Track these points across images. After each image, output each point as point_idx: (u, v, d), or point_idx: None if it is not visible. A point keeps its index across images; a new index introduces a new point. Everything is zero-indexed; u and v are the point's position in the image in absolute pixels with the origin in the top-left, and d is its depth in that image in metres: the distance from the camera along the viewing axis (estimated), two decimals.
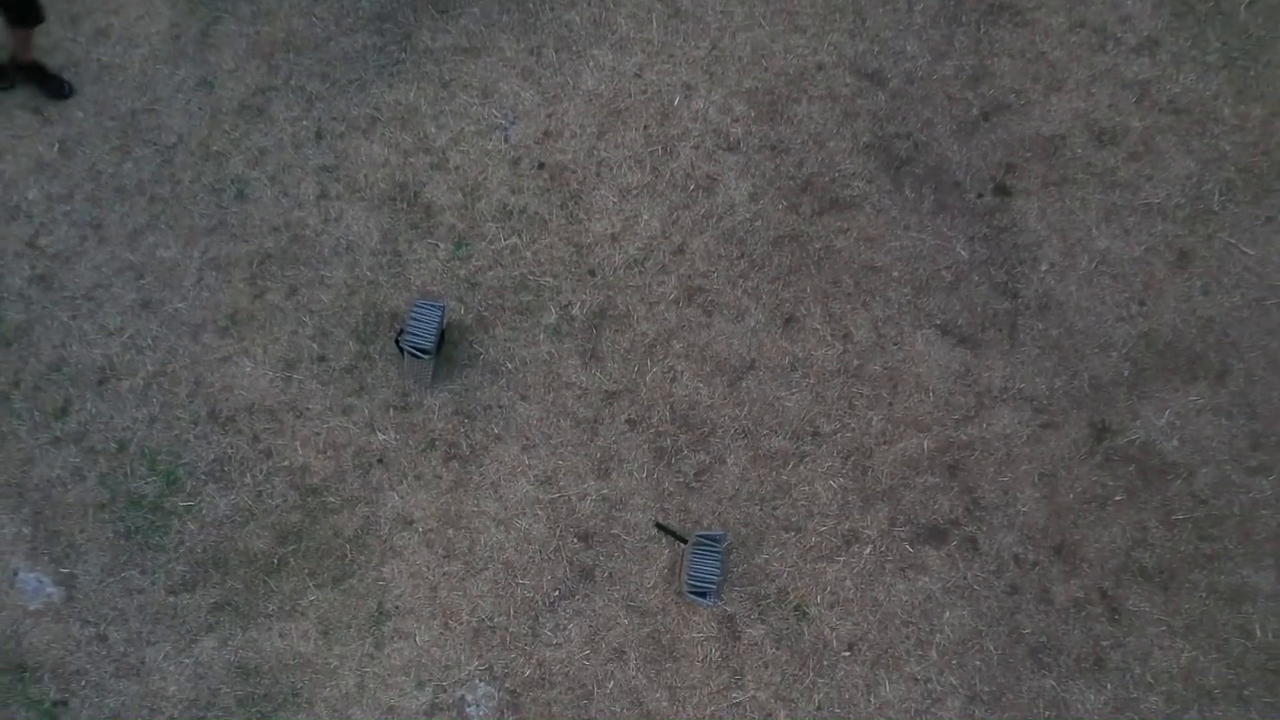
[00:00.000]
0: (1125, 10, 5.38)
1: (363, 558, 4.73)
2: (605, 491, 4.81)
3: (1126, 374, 4.95)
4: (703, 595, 4.59)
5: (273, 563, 4.71)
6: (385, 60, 5.29)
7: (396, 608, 4.68)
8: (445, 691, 4.62)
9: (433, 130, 5.21)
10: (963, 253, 5.08)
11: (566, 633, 4.68)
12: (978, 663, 4.67)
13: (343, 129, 5.20)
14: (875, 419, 4.89)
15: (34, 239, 5.03)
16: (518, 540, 4.76)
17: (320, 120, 5.20)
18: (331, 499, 4.79)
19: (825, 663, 4.66)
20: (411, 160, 5.17)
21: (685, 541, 4.69)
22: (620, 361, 4.95)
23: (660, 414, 4.89)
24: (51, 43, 5.23)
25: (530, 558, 4.75)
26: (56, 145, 5.12)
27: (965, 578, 4.75)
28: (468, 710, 4.60)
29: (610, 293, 5.01)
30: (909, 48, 5.32)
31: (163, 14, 5.31)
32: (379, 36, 5.32)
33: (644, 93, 5.26)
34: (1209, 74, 5.30)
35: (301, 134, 5.18)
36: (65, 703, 4.60)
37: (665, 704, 4.62)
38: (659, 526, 4.75)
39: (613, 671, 4.65)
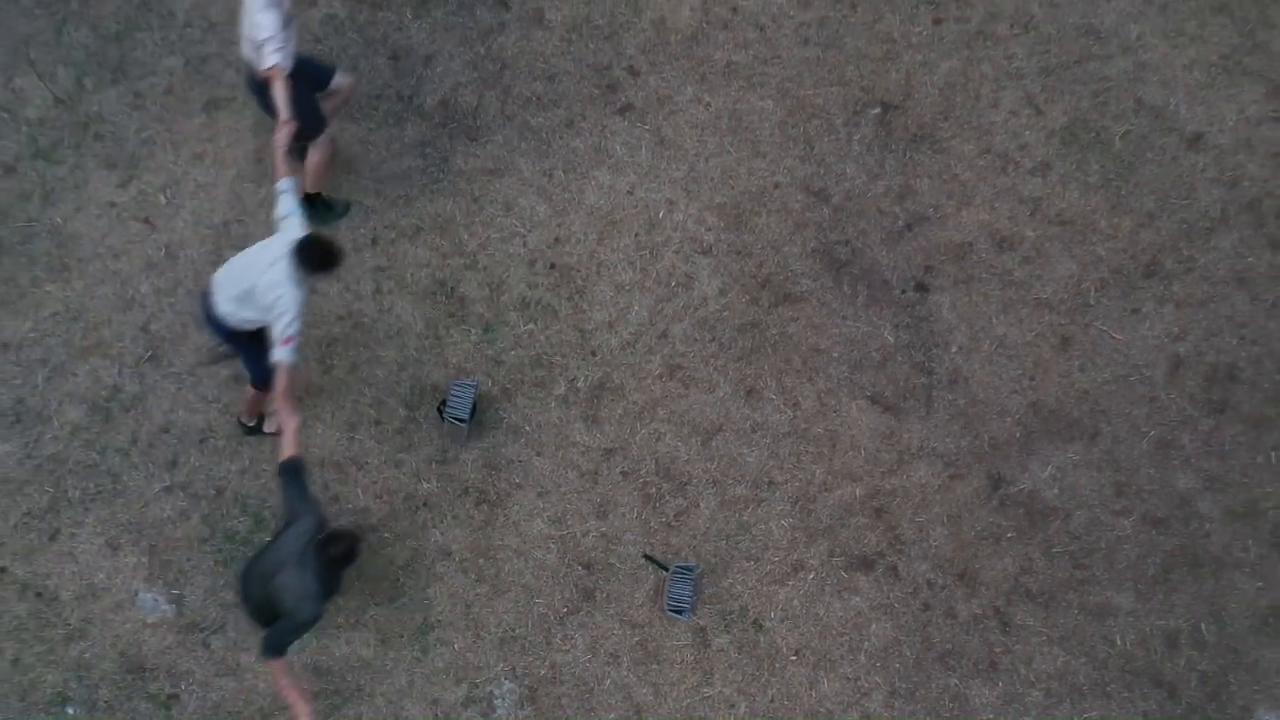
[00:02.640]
0: (1023, 140, 6.66)
1: (411, 581, 5.95)
2: (604, 529, 6.05)
3: (1018, 435, 6.20)
4: (680, 612, 5.84)
5: (340, 586, 5.93)
6: (427, 180, 6.55)
7: (438, 621, 5.90)
8: (477, 688, 5.83)
9: (465, 237, 6.46)
10: (889, 337, 6.34)
11: (573, 641, 5.90)
12: (897, 665, 5.90)
13: (393, 235, 6.45)
14: (818, 471, 6.13)
15: (146, 324, 6.27)
16: (534, 567, 5.99)
17: (375, 229, 6.45)
18: (386, 534, 6.01)
19: (777, 665, 5.88)
20: (448, 261, 6.42)
21: (667, 569, 5.93)
22: (616, 425, 6.19)
23: (647, 467, 6.13)
24: (158, 164, 6.49)
25: (544, 581, 5.97)
26: (163, 250, 6.37)
27: (888, 598, 5.98)
28: (495, 702, 5.82)
29: (608, 369, 6.26)
30: (848, 171, 6.60)
31: (247, 142, 6.57)
32: (421, 160, 6.58)
33: (635, 207, 6.53)
34: (1089, 192, 6.58)
35: (360, 240, 6.43)
36: (177, 697, 5.81)
37: (651, 698, 5.83)
38: (646, 557, 5.98)
39: (609, 672, 5.86)
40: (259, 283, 5.13)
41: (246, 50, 5.61)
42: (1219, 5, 6.82)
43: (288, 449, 4.99)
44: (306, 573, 4.81)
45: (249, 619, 5.15)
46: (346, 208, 6.40)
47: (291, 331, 5.07)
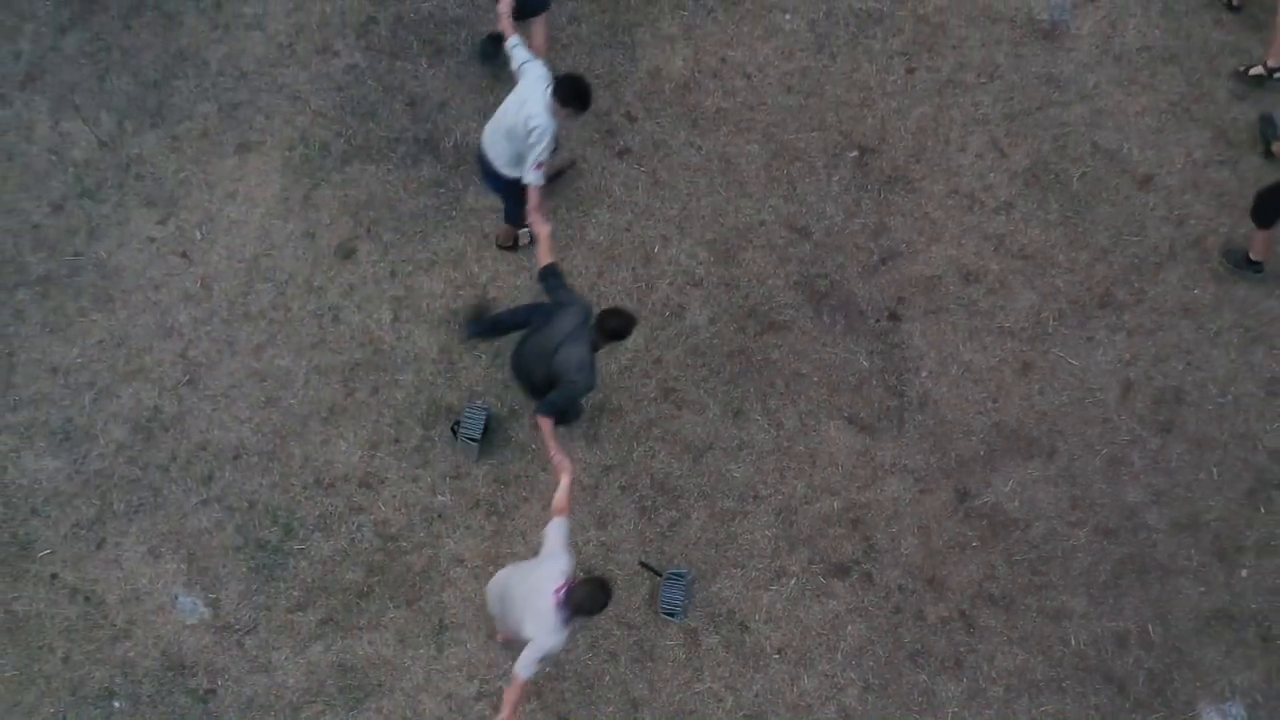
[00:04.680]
0: (988, 181, 7.23)
1: (428, 586, 6.50)
2: (603, 538, 6.61)
3: (982, 453, 6.76)
4: (673, 614, 6.40)
5: (363, 590, 6.49)
6: (441, 216, 7.11)
7: (453, 622, 6.45)
8: (488, 684, 6.38)
9: (476, 269, 7.03)
10: (865, 363, 6.91)
11: (575, 641, 6.44)
12: (871, 663, 6.45)
13: (410, 268, 7.02)
14: (799, 486, 6.70)
15: (184, 351, 6.83)
16: None
17: (394, 262, 7.02)
18: (405, 544, 6.57)
19: (761, 663, 6.44)
20: (461, 292, 6.98)
21: (661, 575, 6.49)
22: (614, 443, 6.74)
23: (643, 482, 6.68)
24: (194, 202, 7.06)
25: None
26: (199, 282, 6.93)
27: (863, 601, 6.54)
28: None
29: (607, 392, 6.82)
30: (828, 209, 7.17)
31: (275, 181, 7.14)
32: (436, 199, 7.15)
33: (632, 242, 7.10)
34: (1049, 229, 7.15)
35: (380, 272, 7.00)
36: (214, 692, 6.35)
37: (646, 692, 6.38)
38: (642, 564, 6.54)
39: (608, 669, 6.41)
40: (516, 121, 5.97)
41: None
42: (1169, 56, 7.39)
43: (544, 256, 5.83)
44: (582, 346, 5.65)
45: (527, 396, 6.02)
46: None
47: (543, 158, 5.94)
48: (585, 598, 5.12)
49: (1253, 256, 6.87)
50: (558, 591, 5.14)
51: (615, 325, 5.67)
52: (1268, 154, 7.05)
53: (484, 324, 6.12)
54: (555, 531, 5.38)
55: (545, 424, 5.71)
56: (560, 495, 5.46)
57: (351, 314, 6.91)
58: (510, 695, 5.20)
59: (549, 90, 5.92)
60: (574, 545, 5.67)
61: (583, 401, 6.15)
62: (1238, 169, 7.17)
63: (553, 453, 5.70)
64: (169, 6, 7.38)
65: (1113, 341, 6.92)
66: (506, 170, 6.23)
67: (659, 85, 7.36)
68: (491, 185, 6.50)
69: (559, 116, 5.95)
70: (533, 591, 5.22)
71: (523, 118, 5.95)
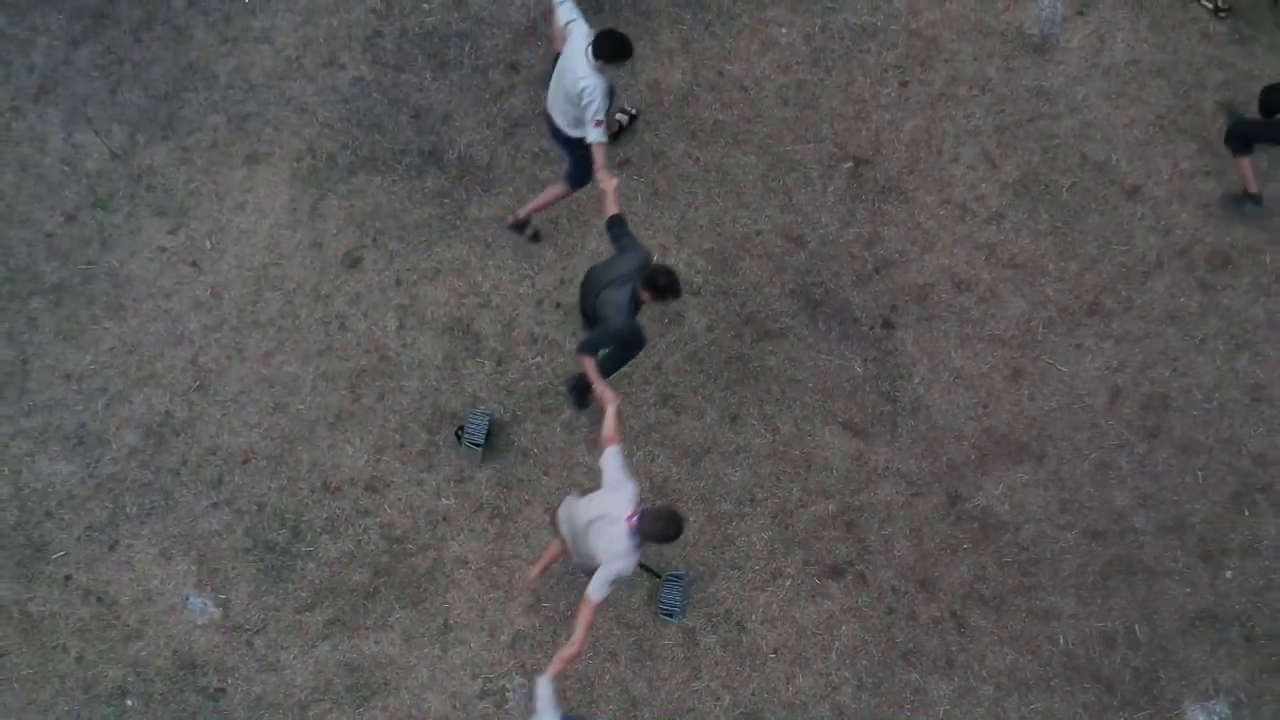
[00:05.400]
0: (980, 191, 7.40)
1: (433, 587, 6.67)
2: None
3: (973, 457, 6.93)
4: (671, 615, 6.57)
5: (369, 591, 6.65)
6: (445, 226, 7.28)
7: (457, 623, 6.61)
8: (491, 682, 6.54)
9: (480, 278, 7.20)
10: (859, 369, 7.08)
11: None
12: (864, 662, 6.62)
13: (415, 277, 7.18)
14: (795, 489, 6.86)
15: (195, 358, 6.99)
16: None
17: (399, 271, 7.18)
18: (410, 546, 6.73)
19: (758, 662, 6.60)
20: (464, 300, 7.15)
21: (660, 576, 6.65)
22: None
23: (643, 485, 6.84)
24: (204, 213, 7.23)
25: (550, 587, 6.68)
26: (209, 290, 7.10)
27: (857, 602, 6.70)
28: (507, 695, 6.53)
29: None
30: (823, 219, 7.34)
31: (283, 192, 7.30)
32: (440, 209, 7.32)
33: None
34: (1039, 238, 7.32)
35: (385, 281, 7.16)
36: (224, 690, 6.51)
37: (645, 691, 6.54)
38: (641, 565, 6.69)
39: (608, 668, 6.57)
40: (569, 83, 6.19)
41: None
42: (1156, 70, 7.56)
43: (611, 207, 6.08)
44: (624, 292, 5.93)
45: (581, 317, 6.36)
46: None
47: (600, 115, 6.12)
48: (658, 525, 5.33)
49: (1250, 190, 7.12)
50: (630, 518, 5.35)
51: (663, 282, 5.87)
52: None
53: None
54: (612, 461, 5.55)
55: (587, 363, 5.96)
56: (609, 425, 5.65)
57: (358, 321, 7.07)
58: (583, 618, 5.37)
59: (589, 49, 6.11)
60: (633, 470, 5.87)
61: (639, 339, 6.45)
62: (1224, 180, 7.33)
63: (597, 387, 5.92)
64: (179, 20, 7.55)
65: (1101, 349, 7.09)
66: (570, 130, 6.44)
67: (658, 97, 7.52)
68: (560, 144, 6.70)
69: (605, 72, 6.17)
70: (605, 518, 5.43)
71: (572, 80, 6.19)
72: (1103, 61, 7.57)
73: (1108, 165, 7.41)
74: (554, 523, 5.86)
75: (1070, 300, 7.18)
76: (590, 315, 6.18)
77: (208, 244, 7.17)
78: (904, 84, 7.56)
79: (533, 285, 7.17)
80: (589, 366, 5.94)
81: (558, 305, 7.13)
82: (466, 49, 7.55)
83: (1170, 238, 7.28)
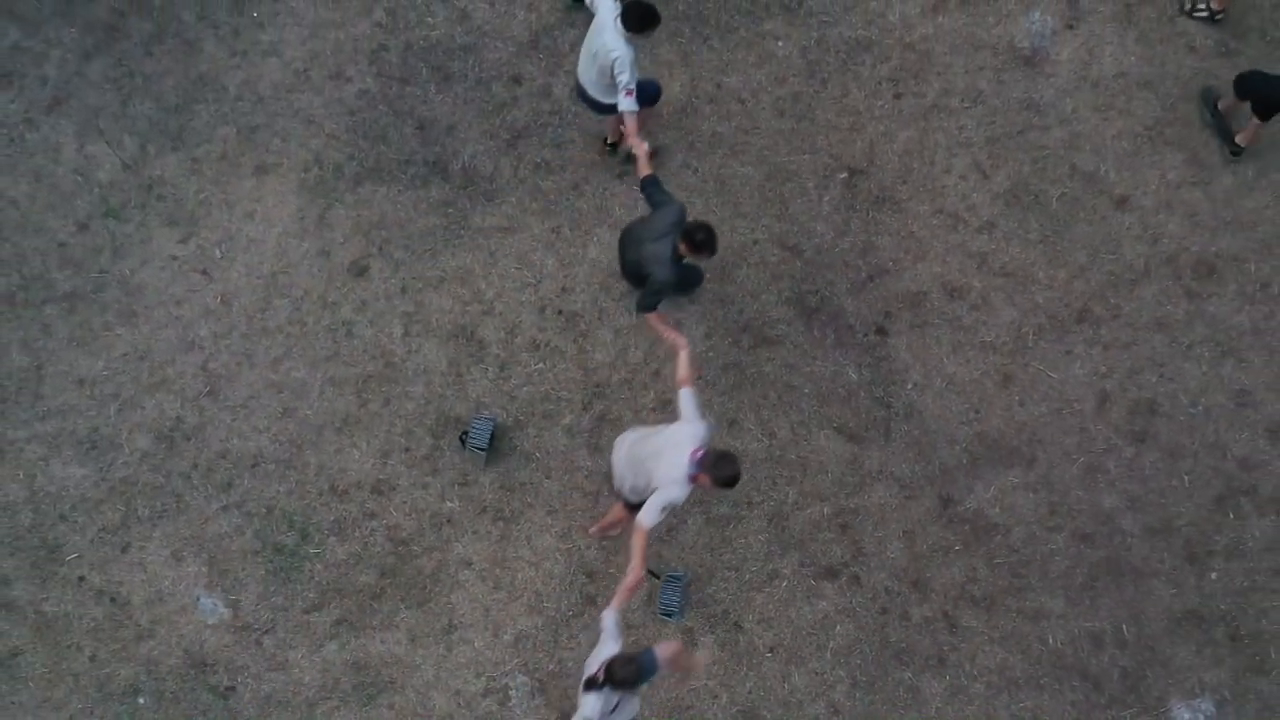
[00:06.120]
0: (971, 201, 7.57)
1: (437, 588, 6.83)
2: (604, 543, 6.93)
3: (965, 461, 7.10)
4: (670, 615, 6.73)
5: (376, 592, 6.81)
6: (449, 236, 7.45)
7: (461, 623, 6.78)
8: (494, 680, 6.71)
9: (483, 286, 7.36)
10: (853, 375, 7.24)
11: (578, 640, 6.77)
12: (859, 661, 6.78)
13: (420, 285, 7.35)
14: (791, 492, 7.03)
15: (205, 364, 7.16)
16: (544, 576, 6.87)
17: (404, 279, 7.35)
18: (415, 548, 6.90)
19: (754, 660, 6.76)
20: (468, 308, 7.32)
21: (659, 577, 6.81)
22: None
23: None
24: (214, 222, 7.39)
25: (552, 588, 6.85)
26: (219, 298, 7.26)
27: (851, 602, 6.87)
28: (510, 693, 6.69)
29: (608, 403, 7.15)
30: (818, 228, 7.51)
31: (291, 202, 7.47)
32: (444, 219, 7.48)
33: None
34: (1029, 247, 7.48)
35: (391, 289, 7.33)
36: (234, 688, 6.68)
37: (644, 689, 6.68)
38: (648, 571, 6.85)
39: None
40: (599, 52, 6.41)
41: None
42: (1144, 82, 7.73)
43: (644, 169, 6.34)
44: (665, 245, 6.14)
45: (624, 276, 6.65)
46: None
47: (631, 85, 6.36)
48: (720, 463, 5.55)
49: (1237, 140, 7.45)
50: (695, 452, 5.57)
51: (700, 237, 6.07)
52: (1214, 113, 7.56)
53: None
54: (687, 400, 5.82)
55: (650, 318, 6.26)
56: (682, 368, 5.92)
57: (364, 328, 7.23)
58: (637, 545, 5.59)
59: (617, 20, 6.32)
60: (705, 410, 6.12)
61: (699, 287, 6.99)
62: (1209, 190, 7.51)
63: (665, 335, 6.22)
64: (189, 34, 7.72)
65: (1090, 355, 7.26)
66: (602, 97, 6.69)
67: (657, 109, 7.68)
68: (594, 110, 6.93)
69: (633, 42, 6.38)
70: (671, 447, 5.66)
71: (602, 50, 6.41)
72: (1091, 74, 7.74)
73: (1096, 175, 7.58)
74: (612, 457, 6.15)
75: (1060, 308, 7.35)
76: (632, 274, 6.41)
77: (217, 253, 7.34)
78: (898, 96, 7.73)
79: (535, 293, 7.34)
80: (654, 321, 6.27)
81: (559, 313, 7.30)
82: (470, 62, 7.72)
83: (1157, 246, 7.45)
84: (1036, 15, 7.82)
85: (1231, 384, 7.18)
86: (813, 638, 6.80)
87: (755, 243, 7.47)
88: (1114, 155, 7.62)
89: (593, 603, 6.82)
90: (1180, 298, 7.35)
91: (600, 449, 7.06)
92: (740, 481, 5.65)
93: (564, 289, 7.34)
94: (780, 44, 7.81)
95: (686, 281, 6.76)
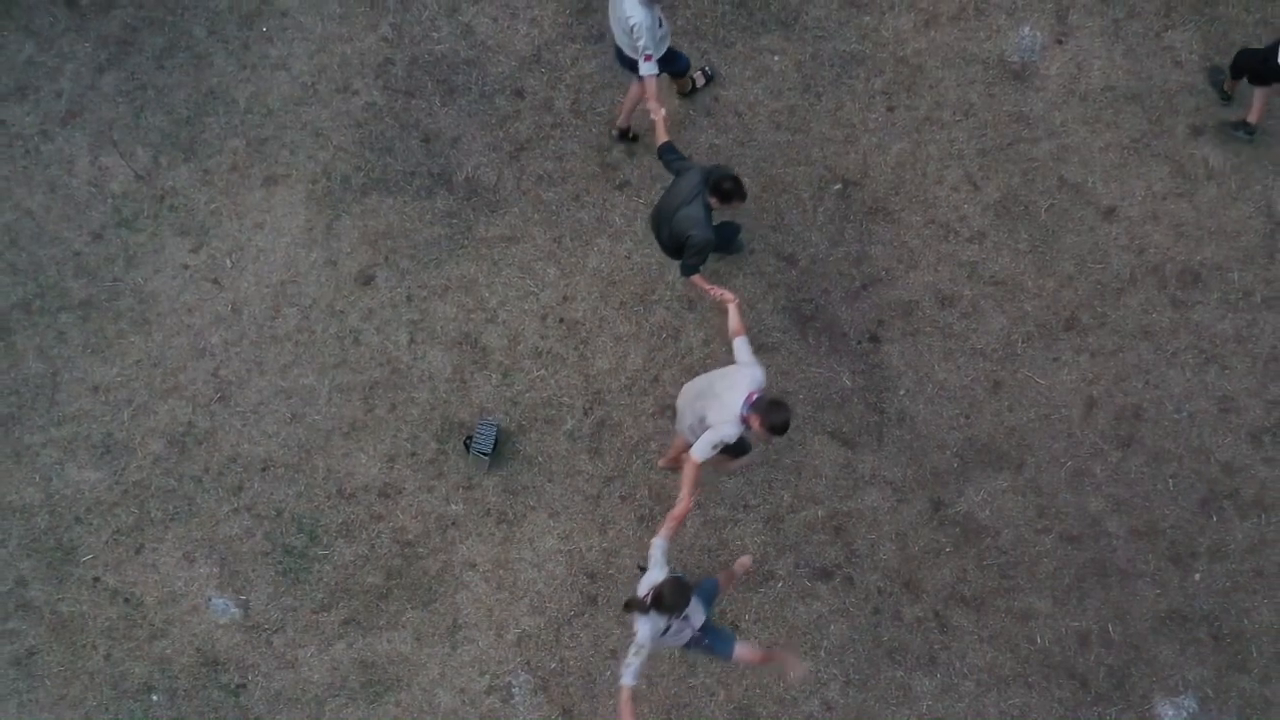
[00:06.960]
0: (962, 212, 7.75)
1: (442, 589, 7.02)
2: (605, 545, 7.13)
3: (955, 465, 7.29)
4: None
5: (382, 592, 7.01)
6: (454, 245, 7.64)
7: (465, 622, 6.97)
8: (498, 679, 6.90)
9: (487, 295, 7.55)
10: (847, 382, 7.44)
11: (579, 639, 6.97)
12: (852, 659, 6.98)
13: (425, 294, 7.54)
14: (786, 496, 7.22)
15: (216, 370, 7.35)
16: (546, 577, 7.07)
17: (410, 288, 7.54)
18: (421, 549, 7.09)
19: None
20: (472, 316, 7.51)
21: (645, 571, 6.98)
22: (615, 456, 7.26)
23: (642, 492, 7.20)
24: (224, 232, 7.58)
25: (554, 589, 7.05)
26: (230, 306, 7.46)
27: (844, 603, 7.06)
28: (513, 691, 6.88)
29: (608, 409, 7.35)
30: (813, 238, 7.70)
31: (300, 213, 7.66)
32: (449, 229, 7.68)
33: (632, 269, 7.61)
34: (1019, 257, 7.67)
35: (397, 297, 7.52)
36: (244, 686, 6.87)
37: (644, 686, 6.87)
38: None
39: (610, 665, 6.92)
40: (620, 16, 6.65)
41: None
42: (1131, 95, 7.92)
43: (662, 136, 6.61)
44: (697, 205, 6.36)
45: (665, 252, 6.79)
46: None
47: (650, 49, 6.61)
48: (773, 408, 5.79)
49: (1248, 119, 7.64)
50: (750, 395, 5.81)
51: (727, 186, 6.31)
52: (1223, 96, 7.80)
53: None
54: (742, 347, 6.09)
55: (695, 279, 6.49)
56: (733, 320, 6.18)
57: (371, 336, 7.42)
58: (688, 476, 5.83)
59: None
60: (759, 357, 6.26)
61: (740, 238, 7.32)
62: (1194, 201, 7.69)
63: (712, 293, 6.42)
64: (200, 48, 7.91)
65: (1077, 362, 7.44)
66: (631, 52, 6.89)
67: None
68: (629, 68, 7.08)
69: (651, 7, 6.60)
70: (728, 387, 5.91)
71: (622, 15, 6.65)
72: (1080, 88, 7.93)
73: (1084, 187, 7.76)
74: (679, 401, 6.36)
75: (1048, 316, 7.53)
76: (672, 245, 6.62)
77: (228, 262, 7.53)
78: (891, 109, 7.92)
79: (537, 301, 7.53)
80: (699, 282, 6.49)
81: (561, 321, 7.49)
82: (474, 75, 7.91)
83: (1143, 256, 7.63)
84: (1026, 30, 8.01)
85: (1215, 390, 7.37)
86: (807, 637, 6.99)
87: (751, 252, 7.66)
88: (1101, 167, 7.80)
89: (594, 603, 7.01)
90: (1165, 306, 7.53)
91: (600, 453, 7.25)
92: (789, 430, 5.85)
93: (565, 297, 7.54)
94: (776, 58, 8.00)
95: (726, 238, 6.98)
